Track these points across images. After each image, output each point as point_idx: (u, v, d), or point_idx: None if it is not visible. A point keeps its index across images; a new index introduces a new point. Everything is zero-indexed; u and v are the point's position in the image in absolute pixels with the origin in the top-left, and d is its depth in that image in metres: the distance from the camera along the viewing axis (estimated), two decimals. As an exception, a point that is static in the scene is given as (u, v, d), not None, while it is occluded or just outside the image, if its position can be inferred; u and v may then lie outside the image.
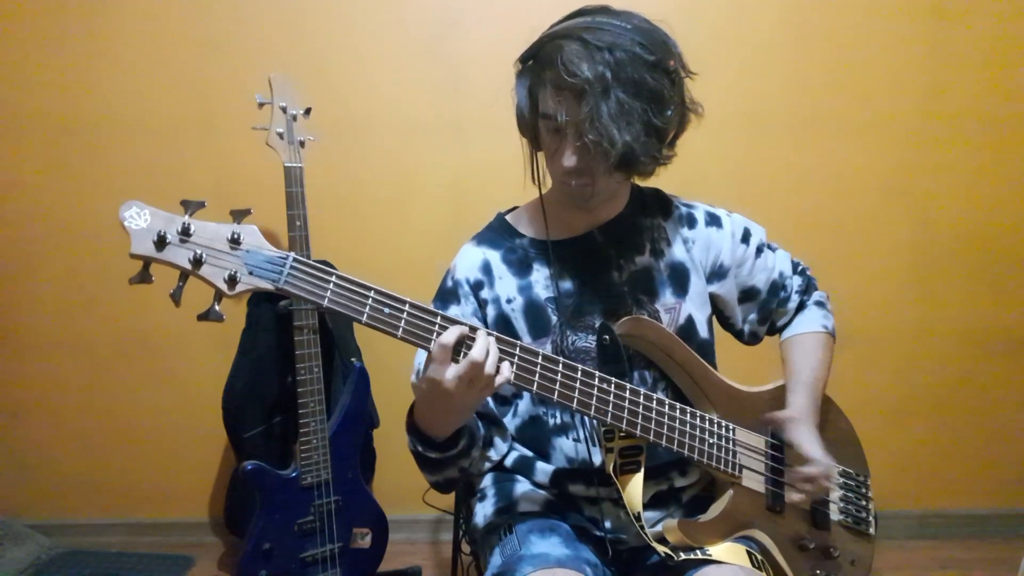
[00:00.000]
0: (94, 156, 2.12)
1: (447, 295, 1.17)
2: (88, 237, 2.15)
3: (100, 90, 2.09)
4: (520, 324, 1.13)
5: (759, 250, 1.23)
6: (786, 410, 1.16)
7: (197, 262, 0.82)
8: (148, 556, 2.21)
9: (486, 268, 1.16)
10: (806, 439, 1.12)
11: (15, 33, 2.06)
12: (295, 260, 0.86)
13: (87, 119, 2.10)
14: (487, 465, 1.19)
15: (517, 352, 0.95)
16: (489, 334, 0.93)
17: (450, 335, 0.90)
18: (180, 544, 2.28)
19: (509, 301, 1.14)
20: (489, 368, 0.90)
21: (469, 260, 1.17)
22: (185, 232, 0.82)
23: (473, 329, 0.92)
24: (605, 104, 0.94)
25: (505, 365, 0.93)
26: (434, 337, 0.91)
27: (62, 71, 2.08)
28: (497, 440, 1.18)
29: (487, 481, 1.23)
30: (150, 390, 2.25)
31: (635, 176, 1.06)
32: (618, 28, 0.99)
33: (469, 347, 0.90)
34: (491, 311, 1.14)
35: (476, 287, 1.15)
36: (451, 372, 0.89)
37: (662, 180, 1.17)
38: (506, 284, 1.14)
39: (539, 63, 1.02)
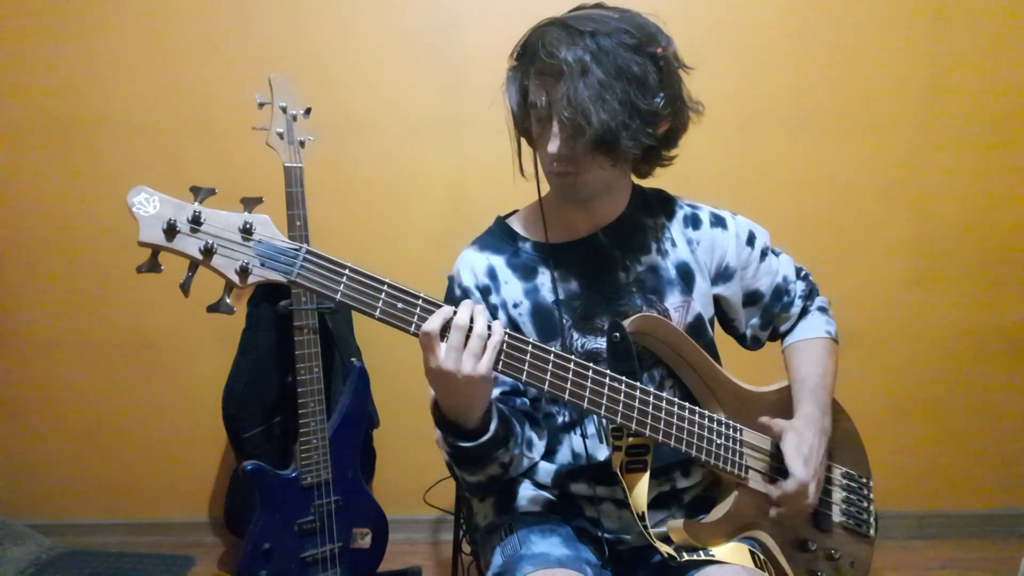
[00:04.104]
0: (94, 156, 2.11)
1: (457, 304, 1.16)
2: (88, 237, 2.15)
3: (100, 90, 2.09)
4: (528, 328, 1.12)
5: (763, 253, 1.22)
6: (792, 419, 1.12)
7: (208, 252, 0.79)
8: (148, 556, 2.21)
9: (491, 273, 1.14)
10: (792, 452, 1.06)
11: (15, 33, 2.05)
12: (308, 252, 0.84)
13: (87, 119, 2.10)
14: (526, 464, 1.13)
15: (529, 350, 0.95)
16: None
17: (433, 322, 0.88)
18: (180, 544, 2.28)
19: (516, 305, 1.13)
20: (479, 329, 0.89)
21: (474, 266, 1.15)
22: (196, 220, 0.79)
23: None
24: (583, 82, 0.94)
25: (497, 323, 0.91)
26: (415, 321, 0.88)
27: (62, 71, 2.07)
28: (534, 439, 1.14)
29: (488, 481, 1.23)
30: (150, 390, 2.25)
31: (620, 160, 1.02)
32: (604, 16, 0.99)
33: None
34: (500, 316, 1.13)
35: (484, 292, 1.14)
36: (442, 351, 0.88)
37: (661, 179, 1.17)
38: (512, 289, 1.13)
39: (525, 54, 1.02)
